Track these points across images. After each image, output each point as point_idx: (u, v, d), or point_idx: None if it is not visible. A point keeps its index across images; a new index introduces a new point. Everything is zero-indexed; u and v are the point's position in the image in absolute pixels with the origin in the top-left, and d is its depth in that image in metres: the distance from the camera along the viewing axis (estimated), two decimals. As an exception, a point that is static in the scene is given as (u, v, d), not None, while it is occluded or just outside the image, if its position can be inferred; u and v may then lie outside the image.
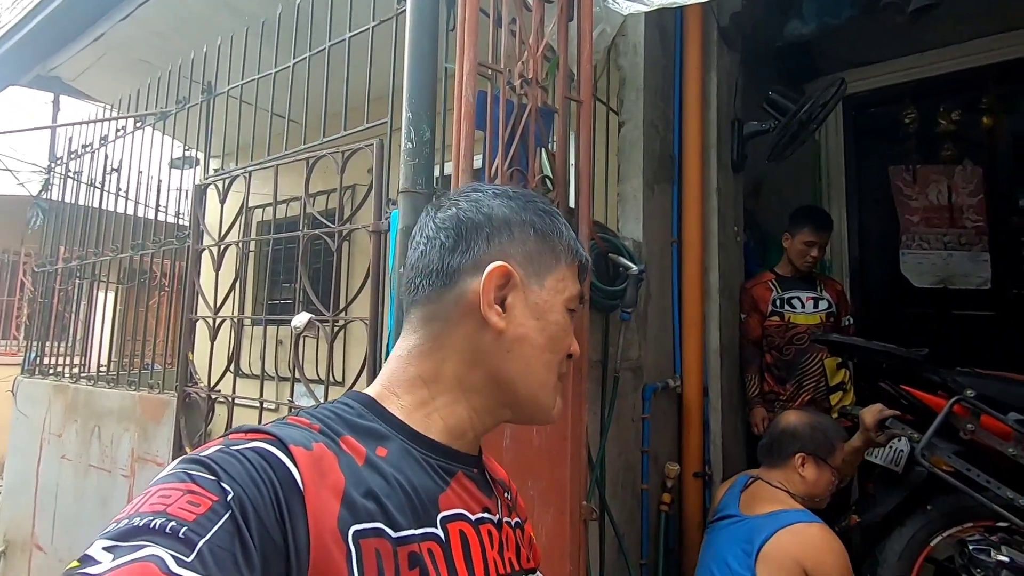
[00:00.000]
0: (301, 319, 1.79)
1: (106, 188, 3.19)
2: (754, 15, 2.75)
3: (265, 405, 2.05)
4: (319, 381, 1.93)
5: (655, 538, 2.25)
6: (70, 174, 3.52)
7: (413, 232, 0.70)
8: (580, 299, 0.71)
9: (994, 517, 1.83)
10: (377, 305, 1.72)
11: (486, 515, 0.65)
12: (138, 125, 3.01)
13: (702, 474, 2.40)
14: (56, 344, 3.52)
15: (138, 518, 0.42)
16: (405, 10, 1.52)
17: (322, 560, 0.48)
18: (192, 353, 2.34)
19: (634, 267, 1.91)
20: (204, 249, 2.32)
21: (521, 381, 0.65)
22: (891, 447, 2.20)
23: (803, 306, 2.75)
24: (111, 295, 3.27)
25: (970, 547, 1.80)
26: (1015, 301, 3.24)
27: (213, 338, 2.20)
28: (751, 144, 2.82)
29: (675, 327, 2.48)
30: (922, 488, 2.03)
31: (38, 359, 3.51)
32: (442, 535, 0.58)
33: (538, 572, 0.73)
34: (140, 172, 2.98)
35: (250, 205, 2.23)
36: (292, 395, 1.99)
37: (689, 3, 1.87)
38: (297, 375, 1.94)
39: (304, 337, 1.85)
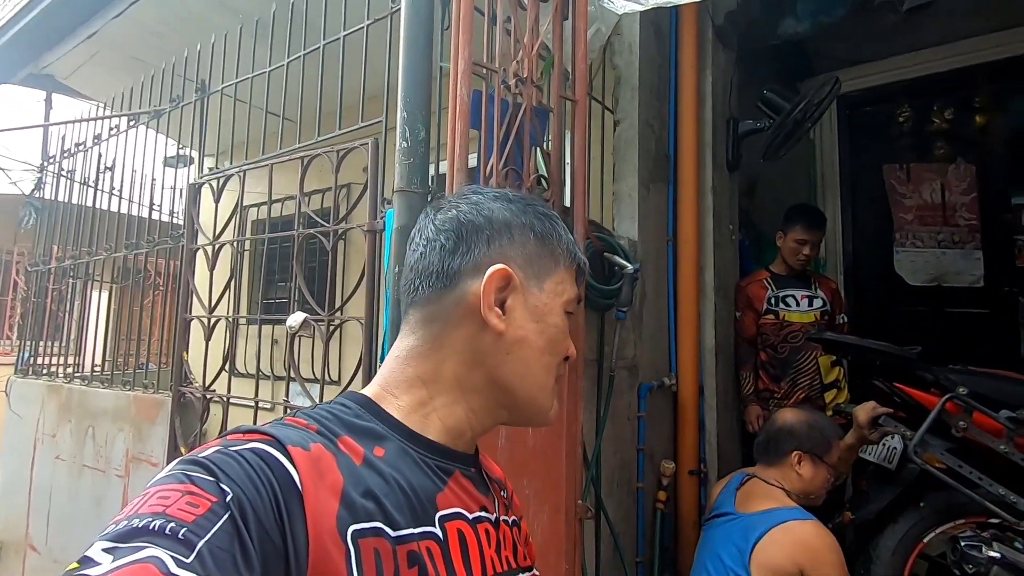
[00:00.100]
0: (296, 318, 1.79)
1: (100, 187, 3.17)
2: (749, 14, 2.75)
3: (260, 405, 2.05)
4: (315, 380, 1.93)
5: (651, 536, 2.26)
6: (63, 173, 3.50)
7: (412, 234, 0.70)
8: (578, 302, 0.71)
9: (986, 513, 1.84)
10: (373, 304, 1.72)
11: (483, 514, 0.65)
12: (132, 124, 3.00)
13: (698, 472, 2.41)
14: (50, 344, 3.51)
15: (137, 519, 0.43)
16: (400, 9, 1.52)
17: (321, 560, 0.48)
18: (187, 353, 2.33)
19: (629, 266, 1.91)
20: (199, 248, 2.32)
21: (520, 383, 0.66)
22: (884, 444, 2.21)
23: (798, 304, 2.76)
24: (105, 294, 3.25)
25: (962, 543, 1.81)
26: (1007, 299, 3.27)
27: (208, 337, 2.19)
28: (746, 143, 2.83)
29: (671, 326, 2.49)
30: (915, 485, 2.05)
31: (31, 359, 3.49)
32: (440, 534, 0.58)
33: (534, 570, 0.73)
34: (134, 171, 2.97)
35: (245, 204, 2.22)
36: (287, 395, 1.99)
37: (684, 2, 1.87)
38: (293, 375, 1.93)
39: (299, 336, 1.85)
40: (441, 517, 0.59)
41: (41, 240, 3.63)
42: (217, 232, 2.22)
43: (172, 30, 3.29)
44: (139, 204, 2.98)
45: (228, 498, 0.45)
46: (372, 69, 1.78)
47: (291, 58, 2.07)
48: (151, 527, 0.42)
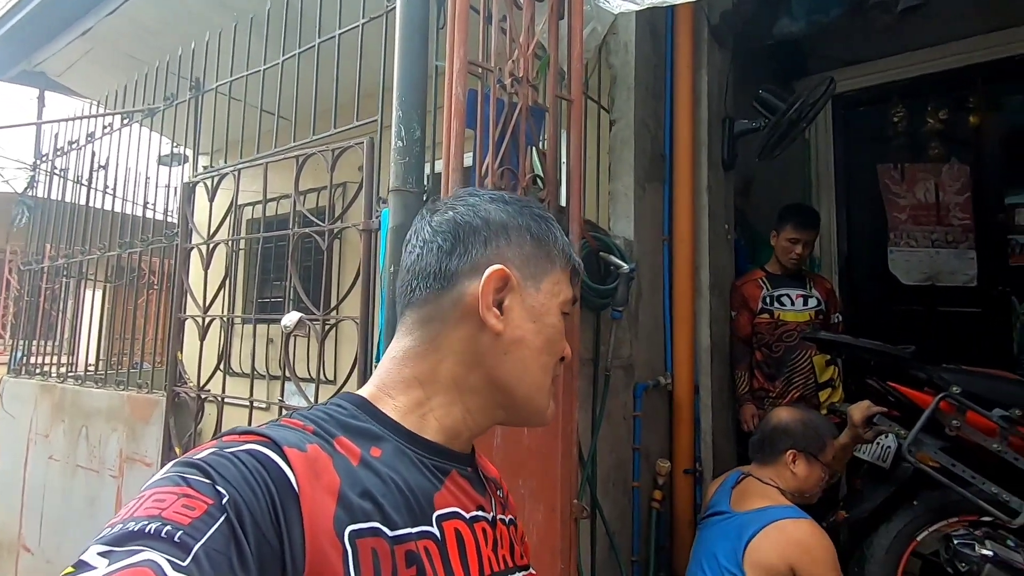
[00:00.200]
0: (291, 318, 1.79)
1: (93, 185, 3.16)
2: (744, 13, 2.76)
3: (255, 404, 2.04)
4: (310, 380, 1.93)
5: (646, 535, 2.27)
6: (56, 171, 3.48)
7: (407, 235, 0.70)
8: (573, 302, 0.72)
9: (978, 512, 1.85)
10: (368, 304, 1.71)
11: (480, 513, 0.65)
12: (125, 122, 2.98)
13: (693, 471, 2.41)
14: (43, 343, 3.49)
15: (133, 522, 0.42)
16: (395, 7, 1.51)
17: (318, 562, 0.48)
18: (181, 352, 2.32)
19: (625, 266, 1.91)
20: (193, 247, 2.31)
21: (518, 383, 0.66)
22: (879, 443, 2.22)
23: (792, 304, 2.77)
24: (99, 293, 3.24)
25: (955, 541, 1.82)
26: (1000, 298, 3.29)
27: (202, 337, 2.19)
28: (741, 142, 2.84)
29: (666, 325, 2.49)
30: (908, 484, 2.06)
31: (24, 358, 3.47)
32: (438, 533, 0.58)
33: (531, 568, 0.73)
34: (128, 169, 2.95)
35: (240, 203, 2.21)
36: (282, 394, 1.98)
37: (680, 1, 1.87)
38: (288, 374, 1.93)
39: (295, 336, 1.85)
40: (438, 516, 0.59)
41: (34, 239, 3.61)
42: (212, 231, 2.21)
43: (167, 27, 3.27)
44: (133, 203, 2.96)
45: (224, 500, 0.45)
46: (367, 68, 1.77)
47: (286, 56, 2.06)
48: (147, 530, 0.42)
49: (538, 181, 1.64)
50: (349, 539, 0.51)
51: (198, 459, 0.49)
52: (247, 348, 2.20)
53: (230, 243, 2.35)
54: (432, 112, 1.55)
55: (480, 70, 1.47)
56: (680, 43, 2.55)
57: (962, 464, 1.85)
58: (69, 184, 3.35)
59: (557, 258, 0.69)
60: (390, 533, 0.54)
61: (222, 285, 2.22)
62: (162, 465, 2.26)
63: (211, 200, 2.22)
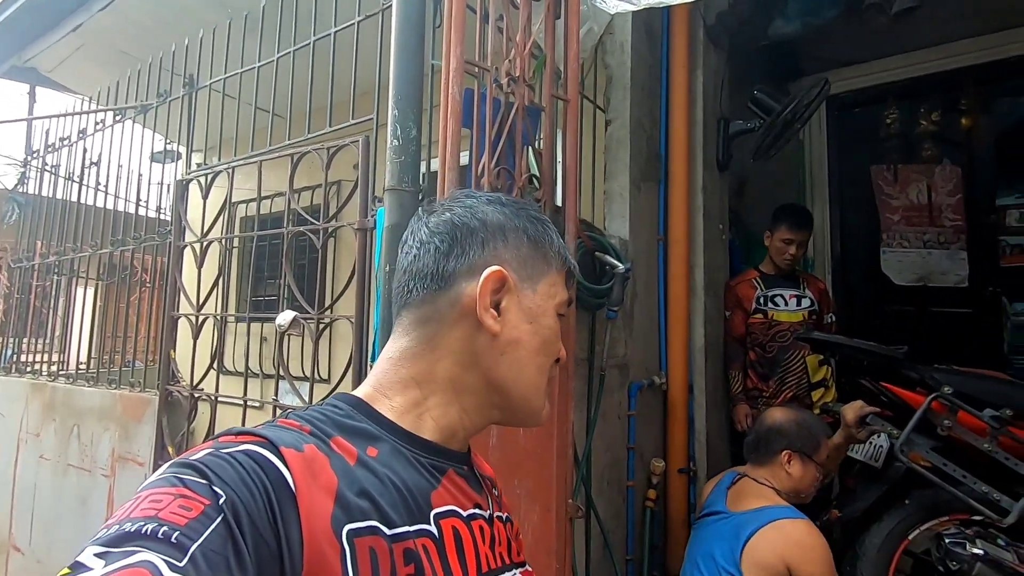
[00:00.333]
0: (286, 317, 1.78)
1: (85, 182, 3.13)
2: (740, 14, 2.77)
3: (249, 403, 2.03)
4: (304, 379, 1.92)
5: (640, 534, 2.27)
6: (47, 167, 3.45)
7: (404, 236, 0.71)
8: (568, 304, 0.73)
9: (970, 511, 1.87)
10: (363, 303, 1.71)
11: (477, 511, 0.66)
12: (118, 118, 2.96)
13: (687, 470, 2.42)
14: (34, 341, 3.46)
15: (129, 523, 0.42)
16: (391, 5, 1.51)
17: (316, 561, 0.48)
18: (174, 351, 2.31)
19: (620, 265, 1.92)
20: (186, 245, 2.29)
21: (514, 383, 0.66)
22: (871, 443, 2.24)
23: (786, 304, 2.78)
24: (90, 291, 3.21)
25: (946, 540, 1.84)
26: (992, 299, 3.31)
27: (196, 335, 2.17)
28: (736, 143, 2.85)
29: (661, 325, 2.50)
30: (901, 483, 2.08)
31: (15, 357, 3.45)
32: (435, 531, 0.59)
33: (527, 566, 0.74)
34: (120, 166, 2.93)
35: (233, 201, 2.20)
36: (277, 393, 1.98)
37: (676, 2, 1.88)
38: (282, 373, 1.92)
39: (289, 335, 1.84)
40: (436, 515, 0.60)
41: (25, 235, 3.58)
42: (205, 229, 2.20)
43: (160, 23, 3.24)
44: (126, 200, 2.94)
45: (221, 501, 0.45)
46: (363, 66, 1.76)
47: (281, 53, 2.04)
48: (143, 531, 0.41)
49: (534, 181, 1.64)
50: (347, 538, 0.51)
51: (194, 460, 0.49)
52: (241, 347, 2.19)
53: (224, 241, 2.33)
54: (428, 111, 1.55)
55: (476, 69, 1.47)
56: (676, 44, 2.56)
57: (953, 463, 1.87)
58: (61, 181, 3.32)
59: (553, 260, 0.70)
60: (388, 532, 0.54)
61: (216, 283, 2.21)
62: (155, 465, 2.25)
63: (205, 198, 2.21)
